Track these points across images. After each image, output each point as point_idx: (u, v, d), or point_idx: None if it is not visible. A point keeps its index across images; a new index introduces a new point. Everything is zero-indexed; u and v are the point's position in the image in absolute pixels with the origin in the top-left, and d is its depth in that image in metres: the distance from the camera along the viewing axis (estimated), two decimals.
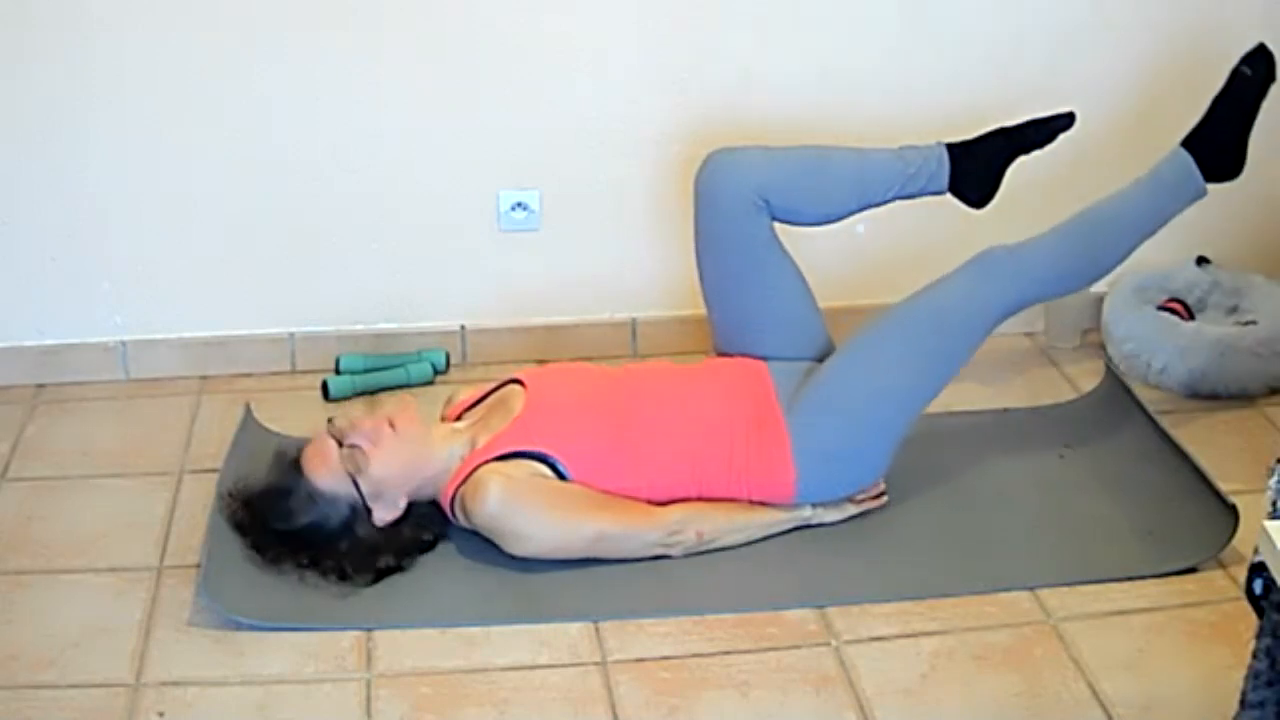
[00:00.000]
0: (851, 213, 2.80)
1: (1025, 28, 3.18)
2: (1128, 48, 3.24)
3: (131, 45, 2.96)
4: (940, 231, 3.27)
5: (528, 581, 2.54)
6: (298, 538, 2.53)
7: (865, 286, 3.32)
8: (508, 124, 3.13)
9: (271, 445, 2.85)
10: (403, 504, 2.58)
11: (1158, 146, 3.34)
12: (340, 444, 2.54)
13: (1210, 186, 2.85)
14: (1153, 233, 2.84)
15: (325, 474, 2.53)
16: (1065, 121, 2.82)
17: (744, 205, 2.72)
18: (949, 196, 2.82)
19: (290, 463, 2.57)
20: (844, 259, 3.25)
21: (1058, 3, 3.19)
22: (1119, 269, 3.37)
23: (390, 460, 2.54)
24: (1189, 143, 2.85)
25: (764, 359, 2.75)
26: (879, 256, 3.32)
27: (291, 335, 3.24)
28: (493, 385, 2.78)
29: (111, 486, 2.83)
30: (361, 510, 2.54)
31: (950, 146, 2.79)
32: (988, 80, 3.17)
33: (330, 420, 2.60)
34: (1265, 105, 3.34)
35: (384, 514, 2.56)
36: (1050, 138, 2.83)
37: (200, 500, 2.75)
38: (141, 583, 2.55)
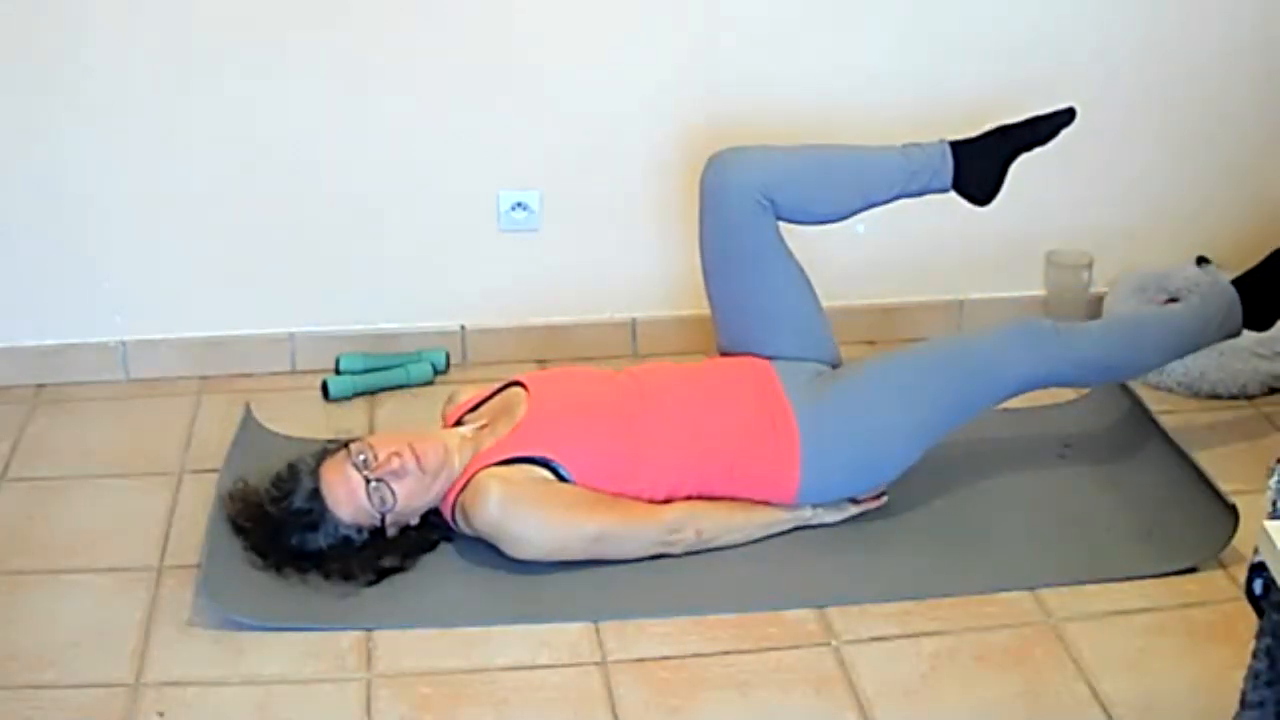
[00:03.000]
0: (856, 211, 2.81)
1: (1026, 26, 3.18)
2: (1128, 46, 3.24)
3: (132, 45, 2.96)
4: (941, 232, 3.28)
5: (528, 581, 2.54)
6: (313, 556, 2.53)
7: (865, 286, 3.33)
8: (508, 124, 3.13)
9: (272, 446, 2.86)
10: (416, 520, 2.59)
11: (1155, 144, 3.36)
12: (365, 477, 2.52)
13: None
14: (1185, 354, 2.90)
15: (351, 510, 2.52)
16: (1066, 118, 2.83)
17: (750, 205, 2.72)
18: (953, 194, 2.82)
19: (310, 491, 2.53)
20: (844, 259, 3.24)
21: (1058, 2, 3.19)
22: (1118, 270, 3.39)
23: (417, 493, 2.55)
24: (1241, 283, 2.88)
25: (768, 358, 2.75)
26: (879, 256, 3.32)
27: (291, 335, 3.24)
28: (494, 387, 2.78)
29: (111, 486, 2.83)
30: (379, 529, 2.56)
31: (954, 144, 2.80)
32: (989, 79, 3.17)
33: (348, 446, 2.57)
34: (1263, 104, 3.35)
35: (397, 530, 2.57)
36: (1052, 134, 2.83)
37: (200, 500, 2.74)
38: (141, 583, 2.55)
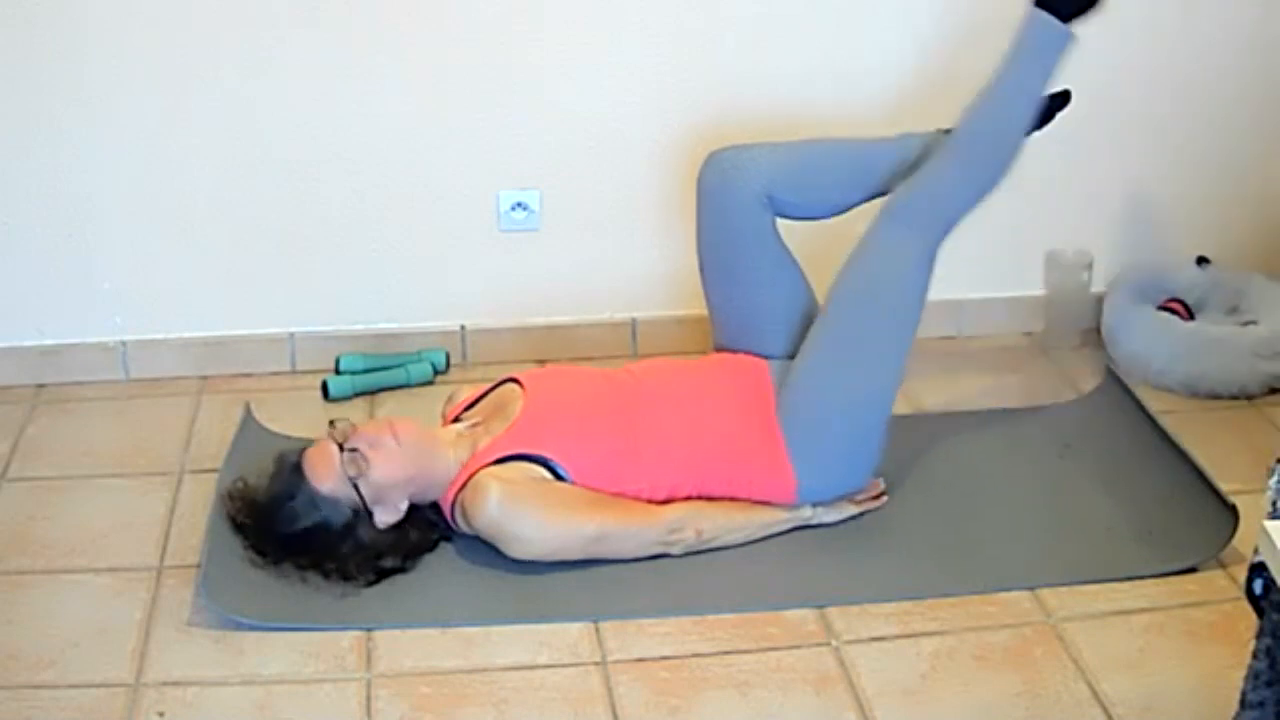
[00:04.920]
0: (856, 204, 2.79)
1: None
2: (1128, 46, 3.24)
3: (131, 45, 2.96)
4: None
5: (528, 581, 2.54)
6: (300, 541, 2.53)
7: None
8: (508, 124, 3.13)
9: (272, 445, 2.86)
10: (404, 506, 2.58)
11: (1155, 143, 3.36)
12: (341, 449, 2.54)
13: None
14: (1041, 95, 2.70)
15: (327, 478, 2.53)
16: (1062, 101, 2.80)
17: (749, 203, 2.72)
18: None
19: (292, 466, 2.56)
20: (844, 259, 3.23)
21: None
22: (1118, 270, 3.39)
23: (391, 465, 2.55)
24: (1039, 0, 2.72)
25: (765, 357, 2.76)
26: None
27: (291, 335, 3.25)
28: (490, 385, 2.78)
29: (111, 486, 2.83)
30: (363, 513, 2.54)
31: (949, 132, 2.78)
32: (984, 67, 3.15)
33: (331, 424, 2.60)
34: (1263, 103, 3.35)
35: (385, 516, 2.56)
36: (1049, 117, 2.80)
37: (200, 500, 2.75)
38: (141, 583, 2.55)
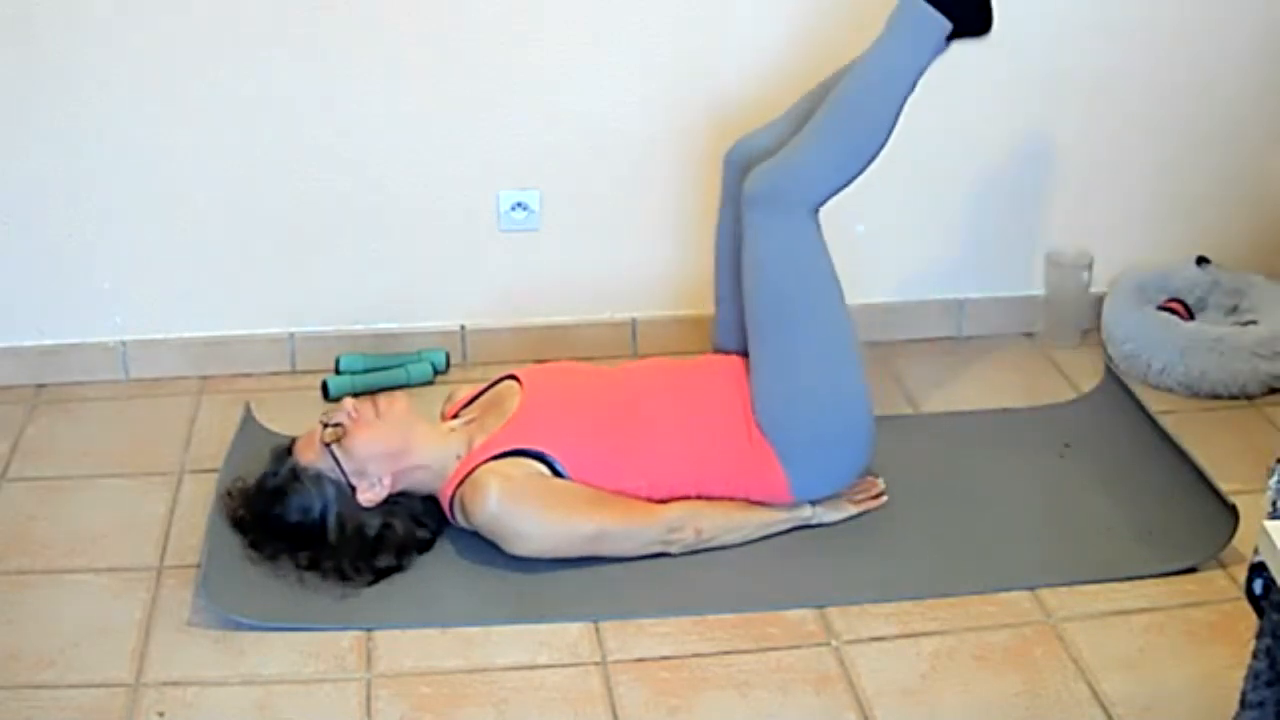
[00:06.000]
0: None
1: (1024, 27, 3.17)
2: (1127, 46, 3.24)
3: (131, 45, 2.96)
4: (941, 232, 3.28)
5: (528, 581, 2.54)
6: (287, 523, 2.54)
7: (865, 286, 3.32)
8: (508, 124, 3.13)
9: (271, 445, 2.87)
10: (387, 482, 2.57)
11: (1155, 143, 3.35)
12: (323, 423, 2.58)
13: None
14: (910, 90, 2.63)
15: (309, 452, 2.56)
16: None
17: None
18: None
19: (282, 450, 2.61)
20: (844, 259, 3.23)
21: (1055, 4, 3.18)
22: (1118, 270, 3.39)
23: (370, 435, 2.55)
24: None
25: None
26: (879, 256, 3.32)
27: (291, 335, 3.25)
28: (489, 383, 2.79)
29: (111, 486, 2.83)
30: (346, 489, 2.54)
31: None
32: (990, 83, 3.16)
33: (325, 413, 2.63)
34: (1262, 103, 3.35)
35: (367, 493, 2.55)
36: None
37: (200, 500, 2.75)
38: (141, 583, 2.55)
